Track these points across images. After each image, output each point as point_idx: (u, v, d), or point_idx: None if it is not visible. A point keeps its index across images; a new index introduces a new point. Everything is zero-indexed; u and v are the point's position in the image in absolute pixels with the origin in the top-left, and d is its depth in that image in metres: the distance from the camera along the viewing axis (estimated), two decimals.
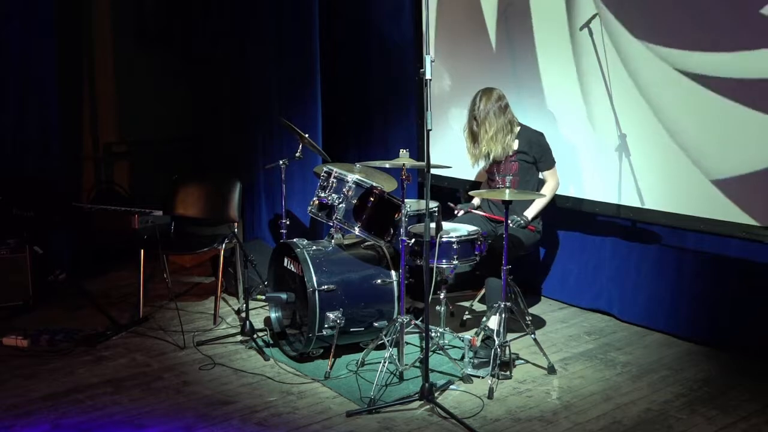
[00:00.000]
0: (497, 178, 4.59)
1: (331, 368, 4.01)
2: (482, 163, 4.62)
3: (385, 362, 3.81)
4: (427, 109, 3.46)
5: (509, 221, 4.11)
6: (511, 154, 4.52)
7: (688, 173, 4.22)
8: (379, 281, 4.18)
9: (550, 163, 4.56)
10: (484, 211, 4.67)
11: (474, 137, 4.53)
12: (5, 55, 5.24)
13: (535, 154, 4.51)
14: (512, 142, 4.51)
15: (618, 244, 4.84)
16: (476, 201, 4.77)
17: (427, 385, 3.58)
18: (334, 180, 4.16)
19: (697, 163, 4.17)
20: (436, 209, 4.68)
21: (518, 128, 4.56)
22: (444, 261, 4.11)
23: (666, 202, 4.36)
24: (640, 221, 4.58)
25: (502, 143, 4.45)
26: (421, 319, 4.06)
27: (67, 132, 5.91)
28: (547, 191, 4.52)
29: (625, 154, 4.52)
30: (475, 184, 5.17)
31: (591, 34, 4.59)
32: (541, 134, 4.57)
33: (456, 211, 4.61)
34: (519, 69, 5.07)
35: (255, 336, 4.40)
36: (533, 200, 4.46)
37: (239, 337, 4.52)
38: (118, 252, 5.81)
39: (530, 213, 4.47)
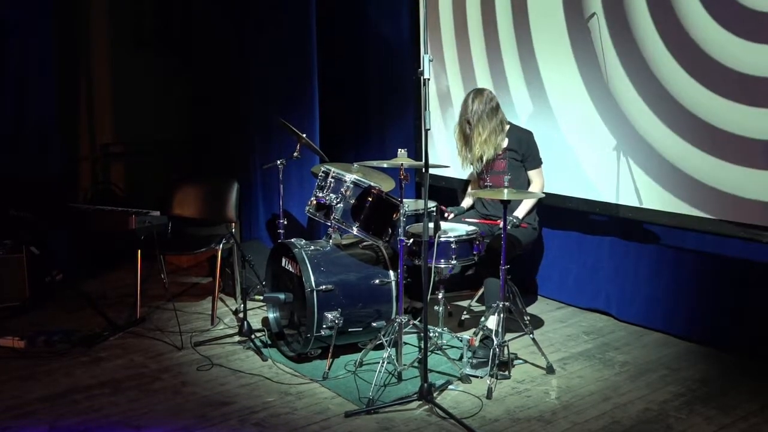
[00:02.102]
0: (486, 176, 4.57)
1: (329, 368, 4.00)
2: (475, 167, 4.55)
3: (383, 362, 3.80)
4: (425, 109, 3.46)
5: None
6: (500, 152, 4.50)
7: (687, 173, 4.22)
8: (377, 281, 4.17)
9: (536, 163, 4.54)
10: (477, 213, 4.65)
11: (466, 140, 4.50)
12: (2, 56, 5.22)
13: (524, 152, 4.50)
14: (502, 141, 4.49)
15: (616, 243, 4.84)
16: (467, 202, 4.75)
17: (425, 385, 3.58)
18: (332, 180, 4.15)
19: (697, 164, 4.18)
20: (434, 209, 4.68)
21: (508, 126, 4.55)
22: (442, 261, 4.10)
23: (665, 201, 4.35)
24: (639, 221, 4.58)
25: (494, 145, 4.44)
26: (419, 319, 4.05)
27: (65, 133, 5.91)
28: (534, 191, 4.50)
29: (624, 153, 4.52)
30: (467, 185, 5.15)
31: (590, 32, 4.59)
32: (530, 133, 4.56)
33: (446, 215, 4.59)
34: (518, 68, 5.07)
35: (253, 336, 4.39)
36: (524, 199, 4.45)
37: (237, 338, 4.51)
38: (116, 252, 5.80)
39: (520, 212, 4.44)
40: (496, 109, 4.46)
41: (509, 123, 4.57)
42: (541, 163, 4.55)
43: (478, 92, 4.47)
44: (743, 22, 3.86)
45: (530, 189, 4.50)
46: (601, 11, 4.52)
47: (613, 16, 4.46)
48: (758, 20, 3.80)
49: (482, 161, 4.48)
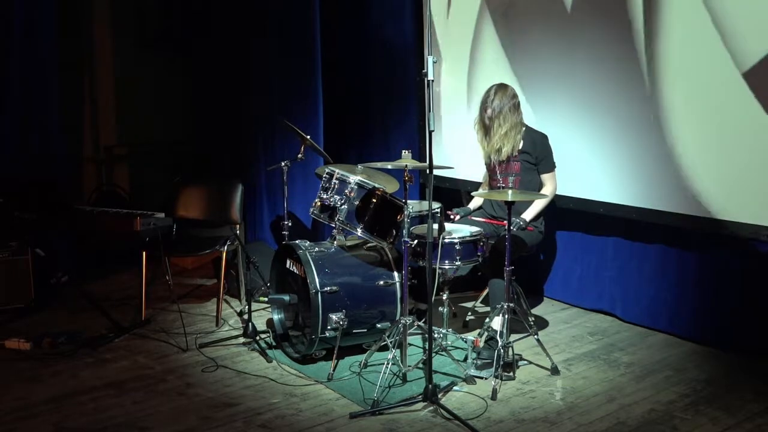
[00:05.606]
0: (499, 177, 4.57)
1: (334, 370, 4.01)
2: (493, 158, 4.54)
3: (388, 364, 3.80)
4: (429, 110, 3.46)
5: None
6: (515, 154, 4.50)
7: (689, 174, 4.22)
8: (381, 282, 4.17)
9: (550, 167, 4.53)
10: (485, 213, 4.65)
11: (486, 130, 4.49)
12: (6, 57, 5.24)
13: (538, 155, 4.49)
14: (519, 141, 4.49)
15: (621, 244, 4.83)
16: (474, 203, 4.75)
17: (430, 386, 3.58)
18: (336, 181, 4.15)
19: (699, 164, 4.18)
20: (439, 210, 4.67)
21: (523, 129, 4.54)
22: (447, 262, 4.10)
23: (668, 202, 4.35)
24: (643, 221, 4.57)
25: (513, 141, 4.43)
26: (423, 320, 4.05)
27: (69, 134, 5.92)
28: (546, 194, 4.49)
29: (628, 153, 4.52)
30: (480, 187, 5.14)
31: (595, 32, 4.58)
32: (545, 136, 4.55)
33: (452, 216, 4.59)
34: (520, 68, 5.07)
35: (257, 338, 4.39)
36: (533, 201, 4.44)
37: (242, 339, 4.51)
38: (120, 254, 5.81)
39: (528, 215, 4.43)
40: (517, 106, 4.45)
41: (525, 125, 4.56)
42: (555, 166, 4.53)
43: (501, 86, 4.46)
44: None
45: (542, 192, 4.48)
46: (604, 14, 4.52)
47: (615, 18, 4.46)
48: None
49: (500, 154, 4.46)
